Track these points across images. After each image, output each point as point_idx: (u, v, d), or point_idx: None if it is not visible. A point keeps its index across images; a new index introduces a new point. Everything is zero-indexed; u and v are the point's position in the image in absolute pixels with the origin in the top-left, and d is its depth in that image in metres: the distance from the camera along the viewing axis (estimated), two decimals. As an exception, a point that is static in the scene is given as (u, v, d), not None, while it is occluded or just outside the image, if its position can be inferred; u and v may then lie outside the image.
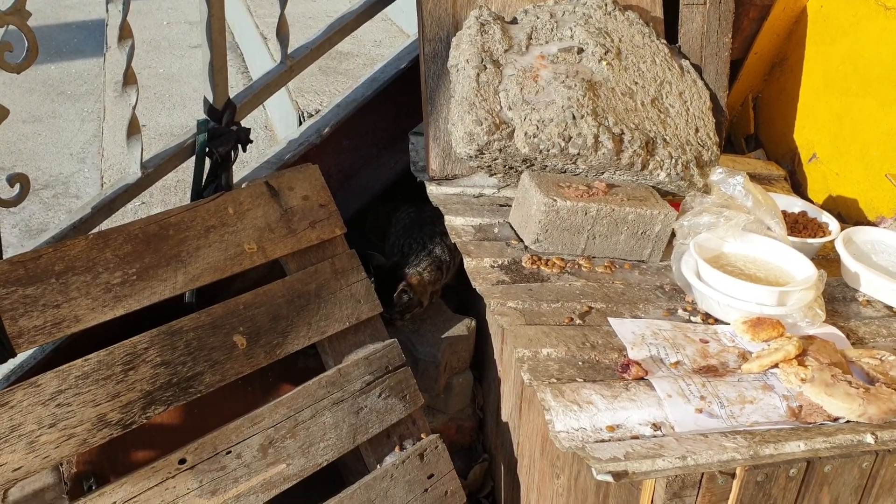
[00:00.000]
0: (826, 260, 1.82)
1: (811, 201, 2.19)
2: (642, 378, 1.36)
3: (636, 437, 1.24)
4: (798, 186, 2.25)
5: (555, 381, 1.33)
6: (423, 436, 1.71)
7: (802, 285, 1.52)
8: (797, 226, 1.82)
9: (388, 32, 2.72)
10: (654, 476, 1.17)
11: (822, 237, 1.78)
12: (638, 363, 1.38)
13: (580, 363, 1.38)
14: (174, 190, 2.20)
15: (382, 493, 1.59)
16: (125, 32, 1.59)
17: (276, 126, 2.46)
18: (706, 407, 1.30)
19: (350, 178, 2.16)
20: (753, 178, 2.23)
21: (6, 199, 1.48)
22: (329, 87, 2.30)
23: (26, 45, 1.44)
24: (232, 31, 3.33)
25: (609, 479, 1.13)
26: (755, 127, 2.46)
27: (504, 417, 1.90)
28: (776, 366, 1.39)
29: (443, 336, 1.91)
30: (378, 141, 2.17)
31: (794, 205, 1.91)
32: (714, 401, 1.31)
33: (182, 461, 1.41)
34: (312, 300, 1.64)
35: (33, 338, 1.33)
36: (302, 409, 1.56)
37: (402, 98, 2.12)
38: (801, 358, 1.40)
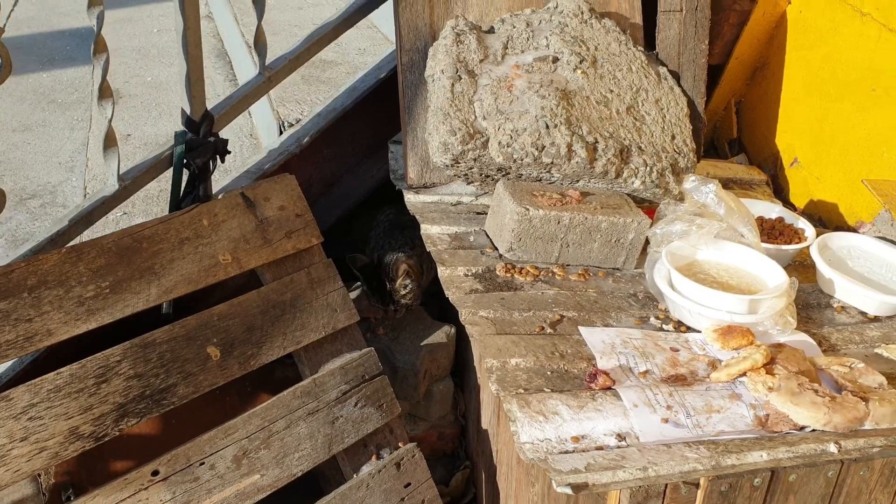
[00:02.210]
0: (803, 266, 1.82)
1: (793, 206, 2.20)
2: (609, 388, 1.36)
3: (600, 448, 1.25)
4: (780, 191, 2.25)
5: (522, 391, 1.34)
6: (400, 445, 1.72)
7: (773, 293, 1.52)
8: (773, 231, 1.83)
9: (373, 40, 2.73)
10: (614, 488, 1.18)
11: (797, 243, 1.78)
12: (606, 373, 1.38)
13: (548, 373, 1.39)
14: (157, 200, 2.21)
15: (358, 502, 1.60)
16: (100, 46, 1.60)
17: (260, 134, 2.47)
18: (672, 416, 1.31)
19: (332, 187, 2.17)
20: (735, 182, 2.25)
21: (-19, 213, 1.49)
22: (311, 97, 2.31)
23: (0, 60, 1.45)
24: (222, 38, 3.35)
25: (568, 490, 1.14)
26: (738, 131, 2.46)
27: (484, 425, 1.91)
28: (744, 374, 1.40)
29: (422, 343, 1.92)
30: (359, 149, 2.18)
31: (772, 210, 1.91)
32: (681, 410, 1.32)
33: (155, 473, 1.43)
34: (288, 310, 1.65)
35: (5, 352, 1.35)
36: (276, 419, 1.57)
37: (382, 107, 2.13)
38: (769, 366, 1.40)
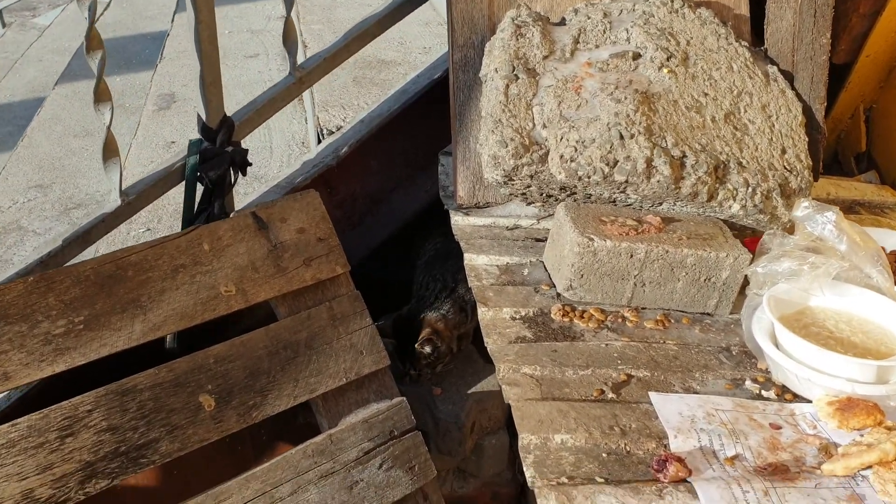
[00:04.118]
0: (949, 315, 1.44)
1: (935, 235, 1.80)
2: (684, 480, 1.04)
3: (664, 571, 0.93)
4: (918, 217, 1.85)
5: (566, 480, 1.03)
6: (434, 514, 1.44)
7: (910, 358, 1.16)
8: (911, 272, 1.45)
9: (441, 38, 2.44)
10: None
11: (942, 288, 1.40)
12: (680, 459, 1.06)
13: (604, 455, 1.08)
14: (187, 213, 2.01)
15: (377, 587, 1.33)
16: (94, 42, 1.39)
17: (312, 142, 2.25)
18: (767, 527, 0.98)
19: (379, 203, 1.92)
20: (863, 205, 1.87)
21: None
22: (359, 101, 2.05)
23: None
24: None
25: None
26: (868, 143, 2.07)
27: (541, 490, 1.61)
28: (869, 467, 1.05)
29: (469, 392, 1.64)
30: (411, 160, 1.92)
31: (909, 244, 1.53)
32: (779, 517, 0.99)
33: (125, 547, 1.20)
34: (301, 352, 1.40)
35: (-52, 400, 1.15)
36: (280, 483, 1.32)
37: (438, 111, 1.86)
38: (904, 459, 1.05)
